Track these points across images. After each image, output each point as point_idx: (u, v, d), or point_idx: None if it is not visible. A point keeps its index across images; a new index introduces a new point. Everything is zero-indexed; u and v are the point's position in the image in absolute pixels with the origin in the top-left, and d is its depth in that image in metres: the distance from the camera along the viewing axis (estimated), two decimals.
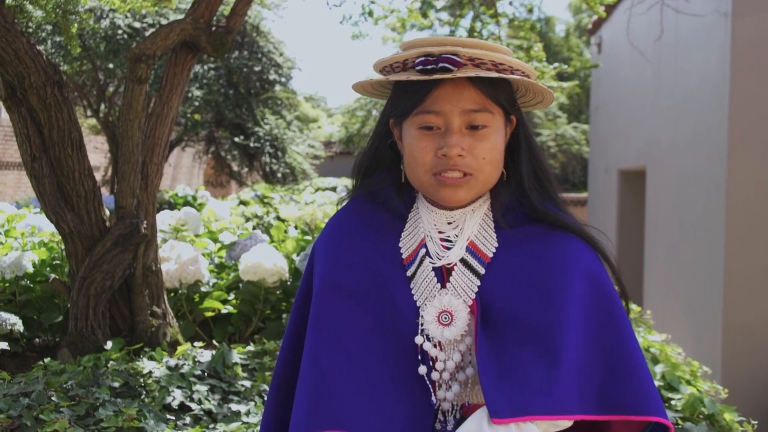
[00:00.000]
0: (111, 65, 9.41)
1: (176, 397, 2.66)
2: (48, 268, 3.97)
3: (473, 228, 1.49)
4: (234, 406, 2.70)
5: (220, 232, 5.46)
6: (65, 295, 3.49)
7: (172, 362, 2.92)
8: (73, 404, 2.44)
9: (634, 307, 4.23)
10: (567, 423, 1.40)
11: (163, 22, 9.01)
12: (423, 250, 1.49)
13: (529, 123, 1.62)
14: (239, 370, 2.96)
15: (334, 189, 15.83)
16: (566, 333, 1.40)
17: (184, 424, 2.55)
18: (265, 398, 1.72)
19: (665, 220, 8.72)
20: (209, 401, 2.71)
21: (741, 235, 6.51)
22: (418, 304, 1.46)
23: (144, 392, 2.68)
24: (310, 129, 19.89)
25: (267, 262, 3.84)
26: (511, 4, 7.29)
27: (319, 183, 16.53)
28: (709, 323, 6.88)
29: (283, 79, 12.18)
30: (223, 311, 3.96)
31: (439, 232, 1.51)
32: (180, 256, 3.85)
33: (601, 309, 1.45)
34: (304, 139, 14.21)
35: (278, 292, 3.99)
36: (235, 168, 13.01)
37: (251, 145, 11.81)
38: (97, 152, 15.02)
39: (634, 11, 7.49)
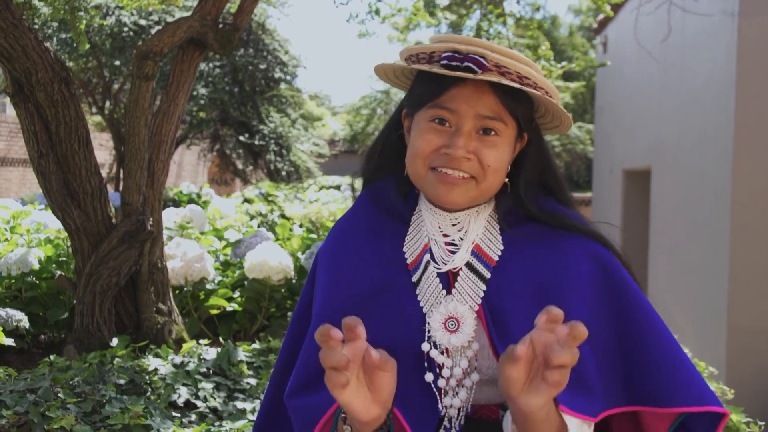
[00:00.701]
0: (116, 62, 9.42)
1: (182, 394, 2.66)
2: (54, 265, 3.97)
3: (478, 231, 1.47)
4: (239, 404, 2.70)
5: (225, 229, 5.46)
6: (71, 291, 3.49)
7: (178, 359, 2.92)
8: (79, 401, 2.44)
9: None
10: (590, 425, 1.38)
11: (169, 19, 9.01)
12: (427, 255, 1.47)
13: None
14: (244, 367, 2.96)
15: (338, 187, 15.84)
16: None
17: (190, 422, 2.55)
18: None
19: (670, 220, 8.70)
20: (215, 399, 2.71)
21: (746, 236, 6.49)
22: (424, 310, 1.44)
23: (150, 389, 2.68)
24: (315, 127, 19.87)
25: (272, 260, 3.84)
26: (518, 2, 7.26)
27: (323, 181, 16.54)
28: (714, 324, 6.86)
29: (288, 77, 12.18)
30: (228, 309, 3.96)
31: (444, 235, 1.49)
32: (186, 253, 3.85)
33: (617, 303, 1.43)
34: (309, 137, 14.21)
35: (283, 290, 3.99)
36: (240, 166, 13.02)
37: (256, 143, 11.81)
38: (102, 149, 15.04)
39: (642, 11, 7.47)
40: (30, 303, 3.78)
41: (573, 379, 1.34)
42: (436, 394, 1.41)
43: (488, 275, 1.43)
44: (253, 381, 2.89)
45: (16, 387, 2.49)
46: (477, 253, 1.45)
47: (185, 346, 3.10)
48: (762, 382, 6.25)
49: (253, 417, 2.63)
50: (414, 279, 1.46)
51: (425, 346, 1.42)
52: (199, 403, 2.66)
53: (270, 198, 12.04)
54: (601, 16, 12.15)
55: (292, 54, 12.22)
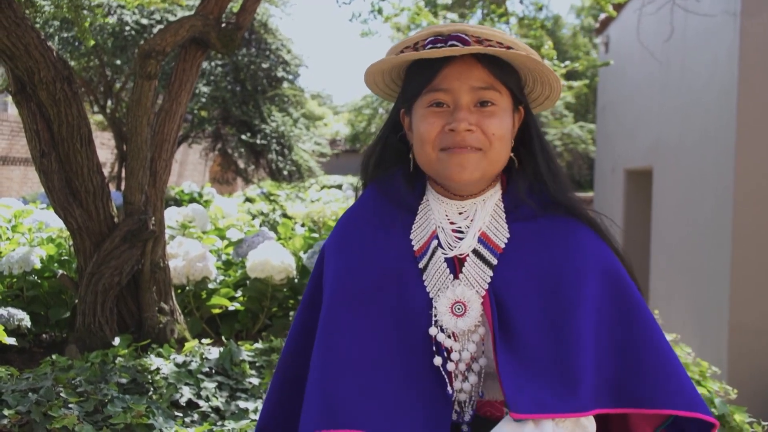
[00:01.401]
0: (118, 61, 9.41)
1: (184, 393, 2.66)
2: (56, 264, 3.97)
3: (485, 218, 1.49)
4: (242, 403, 2.70)
5: (227, 229, 5.46)
6: (73, 291, 3.49)
7: (180, 359, 2.92)
8: (81, 400, 2.44)
9: None
10: (591, 422, 1.39)
11: (171, 18, 9.01)
12: (435, 242, 1.49)
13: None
14: (247, 367, 2.96)
15: (339, 187, 15.86)
16: (581, 331, 1.39)
17: (192, 421, 2.55)
18: None
19: (672, 220, 8.69)
20: (217, 398, 2.71)
21: (748, 235, 6.48)
22: (431, 295, 1.46)
23: (152, 389, 2.68)
24: (317, 127, 19.88)
25: (274, 259, 3.84)
26: (521, 2, 7.27)
27: (325, 180, 16.55)
28: (716, 323, 6.86)
29: (290, 77, 12.17)
30: (231, 308, 3.95)
31: (451, 223, 1.50)
32: (188, 252, 3.85)
33: (617, 304, 1.44)
34: (311, 136, 14.19)
35: (285, 290, 3.99)
36: (242, 165, 13.01)
37: (258, 142, 11.80)
38: (104, 148, 15.04)
39: (645, 11, 7.47)
40: (32, 302, 3.78)
41: (565, 377, 1.35)
42: (446, 378, 1.42)
43: (495, 261, 1.45)
44: (255, 380, 2.89)
45: (18, 386, 2.49)
46: (483, 240, 1.47)
47: (187, 345, 3.09)
48: (764, 381, 6.24)
49: (256, 416, 2.63)
50: (421, 265, 1.48)
51: (432, 330, 1.44)
52: (201, 402, 2.66)
53: (272, 197, 12.04)
54: (602, 16, 12.16)
55: (295, 53, 12.22)
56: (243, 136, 11.63)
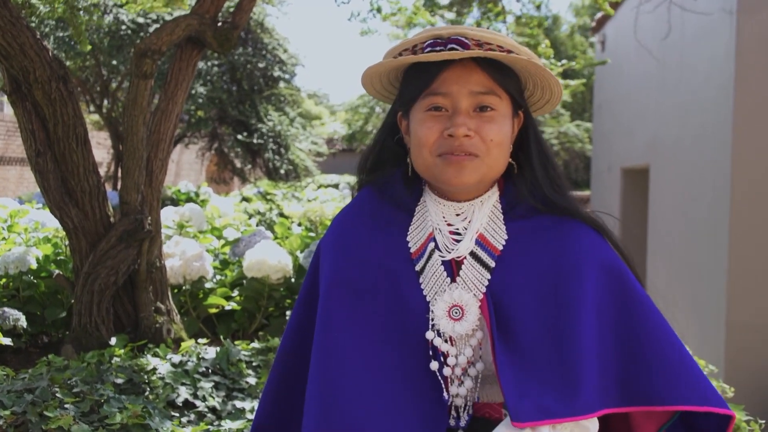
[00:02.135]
0: (114, 61, 9.40)
1: (181, 393, 2.65)
2: (52, 264, 3.96)
3: (482, 220, 1.48)
4: (239, 403, 2.69)
5: (223, 228, 5.45)
6: (69, 291, 3.48)
7: (177, 359, 2.92)
8: (77, 401, 2.43)
9: None
10: (593, 423, 1.38)
11: (168, 18, 8.99)
12: (432, 244, 1.47)
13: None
14: (244, 366, 2.95)
15: (336, 186, 15.85)
16: (582, 331, 1.38)
17: (189, 421, 2.55)
18: None
19: (669, 218, 8.70)
20: (214, 398, 2.70)
21: (745, 234, 6.49)
22: (427, 298, 1.45)
23: (148, 389, 2.67)
24: (313, 126, 19.87)
25: (271, 258, 3.83)
26: (518, 0, 7.27)
27: (322, 180, 16.55)
28: (713, 321, 6.86)
29: (287, 76, 12.16)
30: (227, 308, 3.95)
31: (448, 225, 1.49)
32: (184, 252, 3.84)
33: (619, 300, 1.43)
34: (307, 136, 14.20)
35: (282, 289, 3.98)
36: (238, 165, 13.01)
37: (254, 141, 11.80)
38: (100, 148, 15.02)
39: (642, 9, 7.47)
40: (28, 302, 3.77)
41: (567, 379, 1.34)
42: (441, 382, 1.41)
43: (492, 264, 1.44)
44: (252, 380, 2.88)
45: (14, 387, 2.48)
46: (481, 242, 1.46)
47: (184, 345, 3.09)
48: (761, 379, 6.25)
49: (253, 416, 2.62)
50: (417, 268, 1.46)
51: (429, 335, 1.43)
52: (198, 402, 2.65)
53: (268, 197, 12.03)
54: (599, 15, 12.16)
55: (291, 52, 12.21)
56: (239, 136, 11.62)
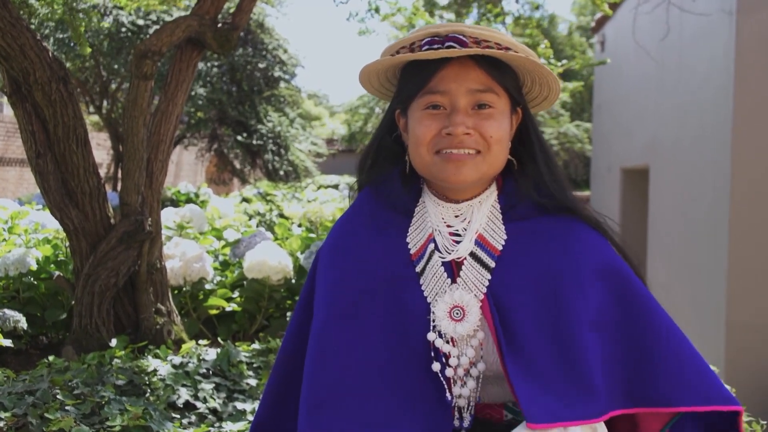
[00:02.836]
0: (114, 63, 9.40)
1: (181, 395, 2.65)
2: (52, 265, 3.95)
3: (481, 220, 1.47)
4: (239, 405, 2.69)
5: (224, 229, 5.45)
6: (69, 292, 3.47)
7: (177, 360, 2.91)
8: (78, 402, 2.43)
9: None
10: (602, 426, 1.37)
11: (168, 19, 8.99)
12: (431, 245, 1.47)
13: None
14: (244, 368, 2.95)
15: (336, 186, 15.84)
16: (583, 333, 1.38)
17: (190, 423, 2.54)
18: None
19: (668, 218, 8.70)
20: (214, 399, 2.70)
21: (744, 234, 6.49)
22: (428, 300, 1.44)
23: (149, 390, 2.67)
24: (313, 127, 19.87)
25: (271, 259, 3.83)
26: (517, 1, 7.28)
27: (322, 180, 16.54)
28: (713, 321, 6.86)
29: (287, 77, 12.16)
30: (228, 309, 3.94)
31: (447, 226, 1.49)
32: (185, 253, 3.83)
33: (620, 301, 1.42)
34: (307, 136, 14.19)
35: (283, 290, 3.98)
36: (238, 165, 13.00)
37: (254, 142, 11.80)
38: (100, 149, 15.02)
39: (640, 10, 7.47)
40: (28, 303, 3.77)
41: (573, 381, 1.34)
42: (444, 384, 1.41)
43: (492, 264, 1.43)
44: (252, 381, 2.88)
45: (14, 389, 2.48)
46: (481, 242, 1.46)
47: (184, 346, 3.08)
48: (761, 379, 6.25)
49: (253, 418, 2.62)
50: (417, 269, 1.46)
51: (431, 336, 1.42)
52: (198, 404, 2.65)
53: (268, 197, 12.03)
54: (598, 15, 12.16)
55: (291, 53, 12.20)
56: (239, 137, 11.62)
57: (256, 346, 3.22)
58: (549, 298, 1.41)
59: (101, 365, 2.81)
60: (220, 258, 4.50)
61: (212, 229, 5.39)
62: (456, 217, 1.49)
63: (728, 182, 6.57)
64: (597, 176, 13.30)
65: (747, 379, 6.18)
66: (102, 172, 12.55)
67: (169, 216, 4.95)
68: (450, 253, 1.46)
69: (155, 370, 2.79)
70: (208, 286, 3.96)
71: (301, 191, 13.23)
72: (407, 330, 1.44)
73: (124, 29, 9.19)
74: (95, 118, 11.77)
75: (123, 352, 2.96)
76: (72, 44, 8.85)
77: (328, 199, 11.76)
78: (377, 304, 1.46)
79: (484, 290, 1.43)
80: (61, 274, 3.57)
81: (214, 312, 3.92)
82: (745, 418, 2.64)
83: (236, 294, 4.01)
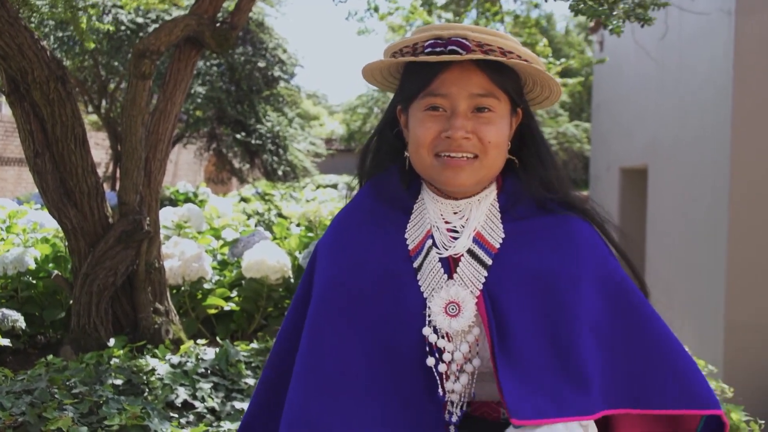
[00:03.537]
0: (115, 63, 9.39)
1: (180, 394, 2.65)
2: (51, 264, 3.95)
3: (480, 218, 1.49)
4: (238, 404, 2.69)
5: (222, 228, 5.45)
6: (67, 291, 3.47)
7: (175, 360, 2.91)
8: (76, 402, 2.42)
9: None
10: (591, 425, 1.38)
11: (167, 18, 8.99)
12: (429, 241, 1.48)
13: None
14: (243, 367, 2.95)
15: (335, 186, 15.84)
16: (580, 334, 1.38)
17: (188, 422, 2.54)
18: None
19: (667, 218, 8.70)
20: (213, 399, 2.70)
21: (744, 234, 6.49)
22: (425, 295, 1.45)
23: (147, 390, 2.67)
24: (312, 126, 19.87)
25: (270, 259, 3.83)
26: (515, 0, 7.29)
27: (320, 180, 16.54)
28: (712, 321, 6.87)
29: (286, 76, 12.16)
30: (226, 308, 3.94)
31: (446, 222, 1.50)
32: (183, 252, 3.83)
33: (616, 306, 1.43)
34: (306, 136, 14.18)
35: (281, 290, 3.98)
36: (237, 165, 13.00)
37: (252, 142, 11.79)
38: (99, 148, 15.01)
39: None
40: (26, 303, 3.76)
41: (565, 379, 1.34)
42: (437, 378, 1.41)
43: (489, 262, 1.45)
44: (251, 381, 2.88)
45: (12, 388, 2.48)
46: (478, 240, 1.47)
47: (183, 346, 3.08)
48: (761, 379, 6.25)
49: None
50: (415, 265, 1.47)
51: (426, 331, 1.43)
52: (197, 403, 2.65)
53: (267, 197, 12.02)
54: None
55: (290, 52, 12.20)
56: (238, 136, 11.61)
57: (254, 345, 3.22)
58: (545, 297, 1.41)
59: (99, 365, 2.81)
60: (219, 257, 4.50)
61: (211, 228, 5.39)
62: (455, 214, 1.51)
63: (728, 182, 6.57)
64: (596, 176, 13.31)
65: (746, 379, 6.18)
66: (101, 171, 12.53)
67: (167, 215, 4.94)
68: (447, 249, 1.47)
69: (153, 370, 2.79)
70: (206, 286, 3.96)
71: (300, 191, 13.23)
72: (403, 325, 1.45)
73: (123, 28, 9.18)
74: (94, 117, 11.75)
75: (121, 352, 2.96)
76: (71, 43, 8.84)
77: (326, 198, 11.77)
78: (374, 299, 1.47)
79: (480, 287, 1.44)
80: (60, 274, 3.57)
81: (212, 311, 3.91)
82: (743, 417, 2.65)
83: (235, 293, 4.01)
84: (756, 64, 6.47)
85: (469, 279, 1.45)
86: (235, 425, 2.50)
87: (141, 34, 9.06)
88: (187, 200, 10.53)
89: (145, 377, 2.73)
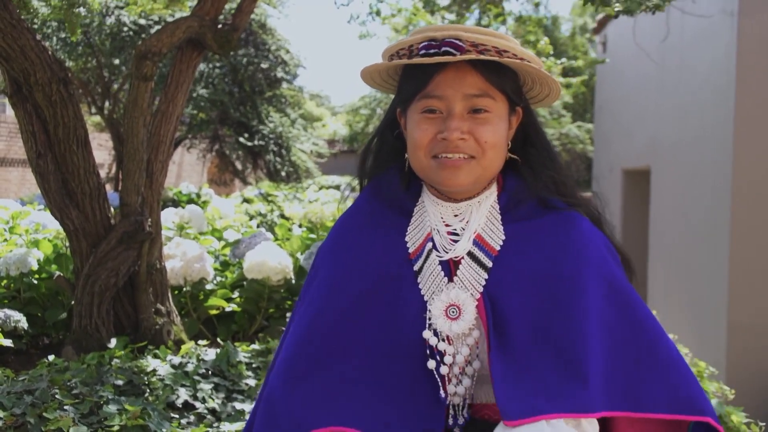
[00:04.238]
0: (117, 61, 9.41)
1: (180, 395, 2.65)
2: (53, 265, 3.96)
3: (480, 220, 1.48)
4: (238, 405, 2.69)
5: (224, 229, 5.46)
6: (69, 292, 3.48)
7: (177, 360, 2.92)
8: (77, 402, 2.43)
9: None
10: (593, 424, 1.38)
11: (169, 19, 9.00)
12: (429, 244, 1.48)
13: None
14: (243, 368, 2.95)
15: (337, 187, 15.83)
16: (578, 335, 1.38)
17: (188, 423, 2.55)
18: None
19: (670, 219, 8.69)
20: (213, 400, 2.70)
21: (746, 234, 6.49)
22: (425, 298, 1.46)
23: (148, 390, 2.67)
24: (314, 127, 19.87)
25: (271, 260, 3.83)
26: (517, 0, 7.29)
27: (323, 181, 16.53)
28: (714, 323, 6.86)
29: (289, 77, 12.17)
30: (227, 309, 3.95)
31: (446, 225, 1.50)
32: (185, 253, 3.84)
33: (618, 311, 1.43)
34: (309, 137, 14.19)
35: (282, 291, 3.98)
36: (239, 166, 13.01)
37: (255, 143, 11.80)
38: (102, 149, 15.04)
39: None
40: (28, 303, 3.78)
41: (566, 379, 1.34)
42: (439, 381, 1.41)
43: (490, 264, 1.44)
44: (252, 382, 2.89)
45: (13, 388, 2.49)
46: (478, 242, 1.47)
47: (184, 347, 3.09)
48: (763, 380, 6.24)
49: None
50: (416, 268, 1.47)
51: (426, 334, 1.43)
52: (197, 404, 2.65)
53: (269, 198, 12.03)
54: (600, 16, 12.15)
55: (293, 54, 12.21)
56: (240, 138, 11.62)
57: (255, 346, 3.22)
58: (546, 299, 1.41)
59: (101, 365, 2.81)
60: (220, 258, 4.51)
61: (212, 229, 5.40)
62: (455, 216, 1.51)
63: (729, 183, 6.56)
64: (598, 177, 13.30)
65: (748, 380, 6.18)
66: (103, 172, 12.58)
67: (169, 216, 4.95)
68: (447, 252, 1.47)
69: (154, 370, 2.80)
70: (208, 287, 3.97)
71: (303, 192, 13.23)
72: (404, 328, 1.45)
73: (126, 29, 9.19)
74: (97, 118, 11.77)
75: (122, 352, 2.97)
76: (75, 44, 8.86)
77: (329, 199, 11.76)
78: (375, 302, 1.47)
79: (481, 289, 1.44)
80: (62, 275, 3.58)
81: (214, 312, 3.92)
82: (743, 419, 2.65)
83: (236, 294, 4.01)
84: (757, 66, 6.47)
85: (469, 282, 1.45)
86: (236, 426, 2.50)
87: (144, 35, 9.07)
88: (190, 201, 10.54)
89: (146, 378, 2.74)
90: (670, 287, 8.55)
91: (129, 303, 3.40)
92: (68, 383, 2.58)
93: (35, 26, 3.47)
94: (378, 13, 5.99)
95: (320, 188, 15.16)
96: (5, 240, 4.60)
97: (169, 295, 3.55)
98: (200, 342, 3.26)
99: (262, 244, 4.05)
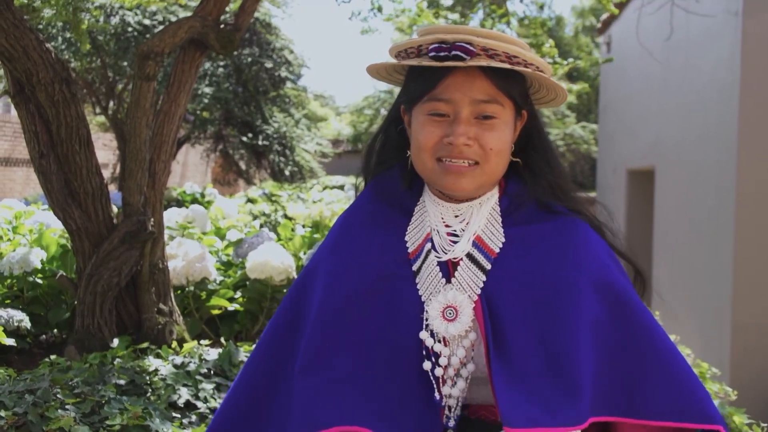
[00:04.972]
0: (123, 63, 9.43)
1: (182, 395, 2.65)
2: (58, 262, 3.97)
3: (480, 222, 1.48)
4: None
5: (227, 229, 5.46)
6: (72, 291, 3.48)
7: (179, 360, 2.92)
8: (78, 402, 2.44)
9: None
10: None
11: (173, 19, 9.01)
12: (428, 245, 1.48)
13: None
14: None
15: (341, 187, 15.83)
16: (571, 343, 1.38)
17: (190, 422, 2.55)
18: None
19: (674, 219, 8.68)
20: (215, 399, 2.70)
21: (750, 235, 6.47)
22: (423, 299, 1.45)
23: (150, 390, 2.68)
24: (318, 127, 19.88)
25: (274, 260, 3.84)
26: (521, 1, 7.26)
27: (327, 181, 16.54)
28: (718, 323, 6.84)
29: (293, 77, 12.18)
30: (230, 309, 3.95)
31: (446, 226, 1.49)
32: (187, 253, 3.84)
33: (616, 313, 1.42)
34: (312, 137, 14.20)
35: (285, 291, 3.98)
36: (243, 166, 13.03)
37: (259, 143, 11.81)
38: (106, 149, 15.05)
39: (644, 11, 7.45)
40: (32, 303, 3.78)
41: (559, 386, 1.34)
42: (434, 382, 1.41)
43: (488, 266, 1.44)
44: None
45: (15, 387, 2.49)
46: (478, 244, 1.46)
47: (186, 346, 3.09)
48: (766, 381, 6.22)
49: None
50: (414, 268, 1.47)
51: (423, 335, 1.43)
52: (199, 403, 2.66)
53: (273, 198, 12.03)
54: (605, 16, 12.14)
55: (297, 54, 12.22)
56: (244, 138, 11.63)
57: None
58: (543, 303, 1.41)
59: (103, 365, 2.82)
60: (223, 258, 4.51)
61: (215, 229, 5.40)
62: (455, 217, 1.50)
63: (733, 183, 6.55)
64: (602, 177, 13.29)
65: (752, 380, 6.16)
66: (108, 172, 12.60)
67: (171, 216, 4.96)
68: (446, 253, 1.47)
69: (156, 370, 2.80)
70: (210, 286, 3.97)
71: (307, 192, 13.23)
72: (400, 328, 1.45)
73: (130, 29, 9.21)
74: (101, 118, 11.80)
75: (125, 352, 2.97)
76: (79, 44, 8.88)
77: (333, 199, 11.76)
78: (372, 302, 1.46)
79: (478, 291, 1.43)
80: (64, 274, 3.58)
81: (216, 312, 3.92)
82: (746, 420, 2.64)
83: (239, 294, 4.02)
84: (762, 65, 6.45)
85: (467, 283, 1.44)
86: None
87: (148, 35, 9.09)
88: (194, 201, 10.55)
89: (148, 377, 2.74)
90: (674, 287, 8.54)
91: (131, 303, 3.41)
92: (70, 383, 2.58)
93: (39, 27, 3.47)
94: (380, 9, 5.98)
95: (324, 188, 15.17)
96: (9, 240, 4.60)
97: (172, 294, 3.56)
98: (202, 342, 3.26)
99: (265, 244, 4.06)
